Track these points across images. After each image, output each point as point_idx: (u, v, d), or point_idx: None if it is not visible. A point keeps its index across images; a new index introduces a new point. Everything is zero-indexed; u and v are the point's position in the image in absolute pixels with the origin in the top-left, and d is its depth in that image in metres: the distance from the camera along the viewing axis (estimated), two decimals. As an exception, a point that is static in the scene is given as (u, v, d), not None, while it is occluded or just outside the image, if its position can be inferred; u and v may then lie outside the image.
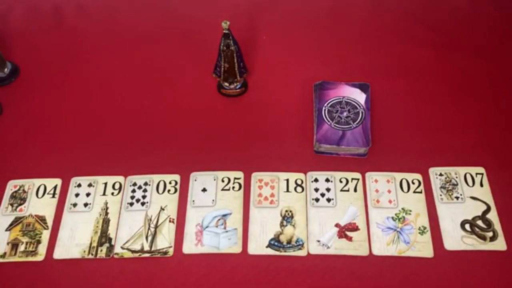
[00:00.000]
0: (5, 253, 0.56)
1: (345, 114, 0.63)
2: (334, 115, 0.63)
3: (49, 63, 0.74)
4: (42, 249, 0.56)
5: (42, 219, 0.58)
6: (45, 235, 0.57)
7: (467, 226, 0.56)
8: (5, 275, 0.54)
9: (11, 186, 0.61)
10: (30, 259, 0.55)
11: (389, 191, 0.59)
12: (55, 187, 0.60)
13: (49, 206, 0.59)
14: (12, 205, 0.59)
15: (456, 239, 0.55)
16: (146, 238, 0.56)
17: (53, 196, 0.60)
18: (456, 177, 0.60)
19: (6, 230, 0.57)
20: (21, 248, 0.56)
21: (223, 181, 0.60)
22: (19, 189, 0.60)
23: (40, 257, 0.55)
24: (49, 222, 0.58)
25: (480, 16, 0.79)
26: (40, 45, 0.77)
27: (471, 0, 0.81)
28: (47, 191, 0.60)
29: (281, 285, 0.53)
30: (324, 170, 0.61)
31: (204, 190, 0.60)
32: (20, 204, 0.59)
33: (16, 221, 0.58)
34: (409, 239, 0.56)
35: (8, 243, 0.56)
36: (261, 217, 0.58)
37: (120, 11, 0.82)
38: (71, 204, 0.59)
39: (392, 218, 0.57)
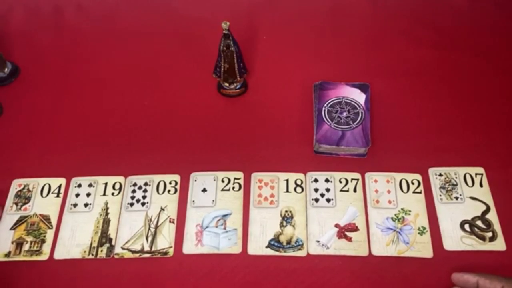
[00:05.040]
0: (9, 252, 0.56)
1: (344, 114, 0.63)
2: (334, 115, 0.63)
3: (49, 63, 0.74)
4: (47, 248, 0.56)
5: (46, 219, 0.58)
6: (50, 235, 0.57)
7: (467, 227, 0.57)
8: (9, 274, 0.54)
9: (16, 185, 0.61)
10: (34, 258, 0.55)
11: (388, 192, 0.59)
12: (59, 187, 0.61)
13: (53, 205, 0.59)
14: (16, 204, 0.59)
15: (455, 240, 0.56)
16: (146, 238, 0.56)
17: (58, 196, 0.60)
18: (456, 177, 0.60)
19: (11, 229, 0.58)
20: (26, 247, 0.56)
21: (223, 181, 0.60)
22: (23, 188, 0.61)
23: (44, 256, 0.56)
24: (54, 221, 0.58)
25: (480, 16, 0.78)
26: (40, 45, 0.77)
27: (471, 0, 0.81)
28: (52, 190, 0.60)
29: (280, 285, 0.53)
30: (323, 170, 0.61)
31: (204, 190, 0.60)
32: (25, 203, 0.59)
33: (21, 220, 0.58)
34: (408, 239, 0.56)
35: (12, 242, 0.57)
36: (261, 218, 0.58)
37: (120, 11, 0.82)
38: (71, 204, 0.59)
39: (392, 218, 0.57)
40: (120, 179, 0.61)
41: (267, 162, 0.62)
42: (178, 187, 0.60)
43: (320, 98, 0.65)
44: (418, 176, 0.60)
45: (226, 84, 0.67)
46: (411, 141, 0.63)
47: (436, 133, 0.64)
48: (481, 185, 0.59)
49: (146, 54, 0.75)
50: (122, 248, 0.56)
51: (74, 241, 0.56)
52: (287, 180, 0.60)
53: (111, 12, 0.82)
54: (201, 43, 0.76)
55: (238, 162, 0.62)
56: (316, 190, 0.59)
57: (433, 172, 0.61)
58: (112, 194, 0.60)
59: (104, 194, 0.60)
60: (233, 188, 0.60)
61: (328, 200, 0.59)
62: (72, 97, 0.70)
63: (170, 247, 0.56)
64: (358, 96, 0.65)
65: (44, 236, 0.57)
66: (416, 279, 0.53)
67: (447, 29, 0.77)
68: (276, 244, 0.56)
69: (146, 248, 0.56)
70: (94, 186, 0.60)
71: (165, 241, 0.56)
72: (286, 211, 0.58)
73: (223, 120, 0.67)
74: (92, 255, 0.55)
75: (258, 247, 0.56)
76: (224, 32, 0.59)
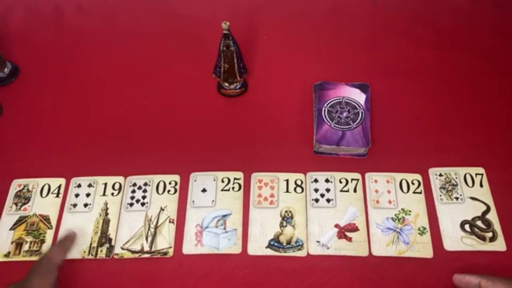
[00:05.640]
0: (9, 252, 0.56)
1: (344, 114, 0.63)
2: (334, 116, 0.63)
3: (49, 63, 0.74)
4: (46, 248, 0.56)
5: (46, 219, 0.58)
6: (49, 235, 0.57)
7: (467, 227, 0.56)
8: (9, 275, 0.54)
9: (15, 185, 0.61)
10: (34, 258, 0.55)
11: (388, 192, 0.59)
12: (59, 187, 0.60)
13: (53, 205, 0.59)
14: (16, 204, 0.59)
15: (455, 240, 0.56)
16: (146, 238, 0.56)
17: (57, 196, 0.60)
18: (456, 178, 0.60)
19: (10, 229, 0.58)
20: (25, 247, 0.56)
21: (223, 181, 0.60)
22: (23, 189, 0.60)
23: None
24: (53, 221, 0.58)
25: (480, 16, 0.78)
26: (40, 45, 0.77)
27: (471, 0, 0.81)
28: (51, 190, 0.60)
29: (280, 285, 0.53)
30: (324, 170, 0.61)
31: (204, 190, 0.60)
32: (24, 204, 0.59)
33: (20, 221, 0.58)
34: (408, 239, 0.56)
35: (12, 242, 0.57)
36: (261, 218, 0.58)
37: (120, 11, 0.82)
38: (71, 205, 0.59)
39: (392, 218, 0.57)
40: (120, 179, 0.61)
41: (267, 162, 0.62)
42: (178, 187, 0.60)
43: (320, 98, 0.65)
44: (418, 176, 0.60)
45: (226, 84, 0.67)
46: (411, 141, 0.63)
47: (436, 133, 0.64)
48: (481, 185, 0.59)
49: (146, 54, 0.75)
50: (122, 248, 0.56)
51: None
52: (287, 180, 0.60)
53: (111, 12, 0.82)
54: (201, 43, 0.76)
55: (238, 162, 0.62)
56: (316, 190, 0.59)
57: (433, 172, 0.61)
58: (112, 194, 0.60)
59: (104, 194, 0.60)
60: (233, 188, 0.60)
61: (328, 200, 0.59)
62: (72, 97, 0.70)
63: (170, 247, 0.56)
64: (358, 96, 0.65)
65: (44, 236, 0.57)
66: (416, 279, 0.53)
67: (447, 29, 0.77)
68: (276, 244, 0.56)
69: (146, 248, 0.56)
70: (93, 186, 0.60)
71: (164, 241, 0.56)
72: (286, 211, 0.58)
73: (223, 120, 0.67)
74: (92, 255, 0.55)
75: (258, 247, 0.56)
76: (224, 32, 0.59)
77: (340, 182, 0.60)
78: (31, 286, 0.48)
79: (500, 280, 0.48)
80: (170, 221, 0.58)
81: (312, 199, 0.59)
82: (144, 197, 0.59)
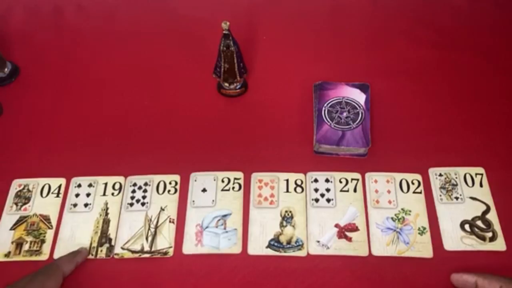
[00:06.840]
0: (9, 252, 0.56)
1: (345, 114, 0.63)
2: (334, 116, 0.63)
3: (49, 63, 0.75)
4: (46, 248, 0.56)
5: (46, 219, 0.58)
6: (49, 235, 0.57)
7: (467, 227, 0.56)
8: (9, 275, 0.54)
9: (16, 185, 0.61)
10: (34, 258, 0.56)
11: (388, 192, 0.59)
12: (59, 187, 0.61)
13: (53, 205, 0.59)
14: (16, 204, 0.59)
15: (455, 240, 0.56)
16: (146, 238, 0.56)
17: (57, 196, 0.60)
18: (456, 178, 0.60)
19: (11, 229, 0.58)
20: (26, 247, 0.56)
21: (223, 181, 0.60)
22: (23, 189, 0.61)
23: (44, 256, 0.56)
24: (53, 221, 0.58)
25: (480, 16, 0.78)
26: (40, 45, 0.77)
27: (471, 0, 0.81)
28: (52, 190, 0.60)
29: (280, 285, 0.53)
30: (324, 170, 0.61)
31: (204, 190, 0.60)
32: (25, 203, 0.59)
33: (21, 220, 0.58)
34: (408, 239, 0.56)
35: (12, 242, 0.57)
36: (261, 218, 0.58)
37: (120, 11, 0.82)
38: (71, 205, 0.59)
39: (392, 218, 0.57)
40: (120, 179, 0.61)
41: (267, 162, 0.62)
42: (178, 187, 0.60)
43: (320, 98, 0.65)
44: (418, 176, 0.60)
45: (226, 84, 0.67)
46: (411, 141, 0.63)
47: (436, 133, 0.64)
48: (481, 185, 0.59)
49: (146, 54, 0.75)
50: (122, 248, 0.56)
51: (74, 241, 0.56)
52: (287, 180, 0.60)
53: (111, 12, 0.82)
54: (201, 43, 0.76)
55: (238, 162, 0.62)
56: (316, 190, 0.59)
57: (433, 172, 0.61)
58: (112, 194, 0.60)
59: (104, 194, 0.60)
60: (233, 188, 0.60)
61: (328, 200, 0.59)
62: (72, 97, 0.70)
63: (170, 247, 0.56)
64: (358, 96, 0.65)
65: (44, 236, 0.57)
66: (416, 279, 0.53)
67: (447, 29, 0.77)
68: (276, 244, 0.56)
69: (146, 248, 0.56)
70: (94, 186, 0.60)
71: (165, 241, 0.56)
72: (286, 211, 0.58)
73: (223, 120, 0.67)
74: (92, 255, 0.55)
75: (258, 247, 0.56)
76: (224, 32, 0.59)
77: (340, 182, 0.60)
78: (35, 284, 0.48)
79: (496, 278, 0.48)
80: (170, 221, 0.58)
81: (312, 199, 0.59)
82: (144, 197, 0.59)
